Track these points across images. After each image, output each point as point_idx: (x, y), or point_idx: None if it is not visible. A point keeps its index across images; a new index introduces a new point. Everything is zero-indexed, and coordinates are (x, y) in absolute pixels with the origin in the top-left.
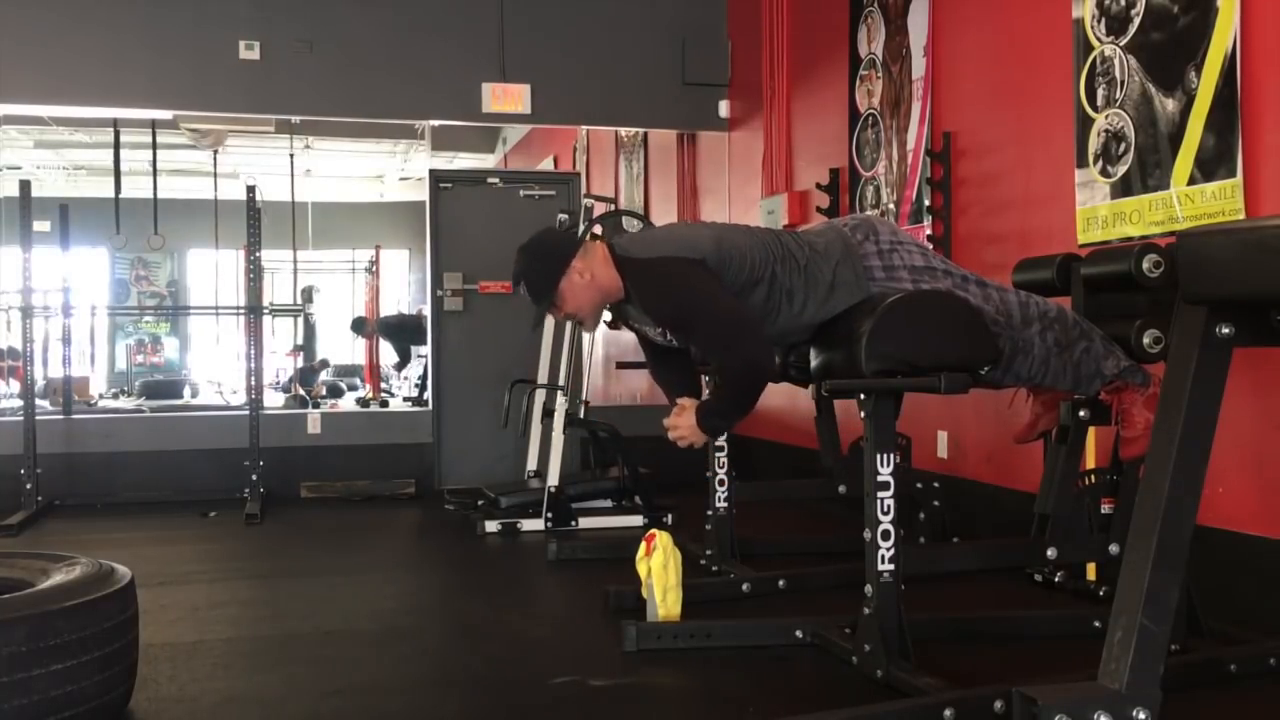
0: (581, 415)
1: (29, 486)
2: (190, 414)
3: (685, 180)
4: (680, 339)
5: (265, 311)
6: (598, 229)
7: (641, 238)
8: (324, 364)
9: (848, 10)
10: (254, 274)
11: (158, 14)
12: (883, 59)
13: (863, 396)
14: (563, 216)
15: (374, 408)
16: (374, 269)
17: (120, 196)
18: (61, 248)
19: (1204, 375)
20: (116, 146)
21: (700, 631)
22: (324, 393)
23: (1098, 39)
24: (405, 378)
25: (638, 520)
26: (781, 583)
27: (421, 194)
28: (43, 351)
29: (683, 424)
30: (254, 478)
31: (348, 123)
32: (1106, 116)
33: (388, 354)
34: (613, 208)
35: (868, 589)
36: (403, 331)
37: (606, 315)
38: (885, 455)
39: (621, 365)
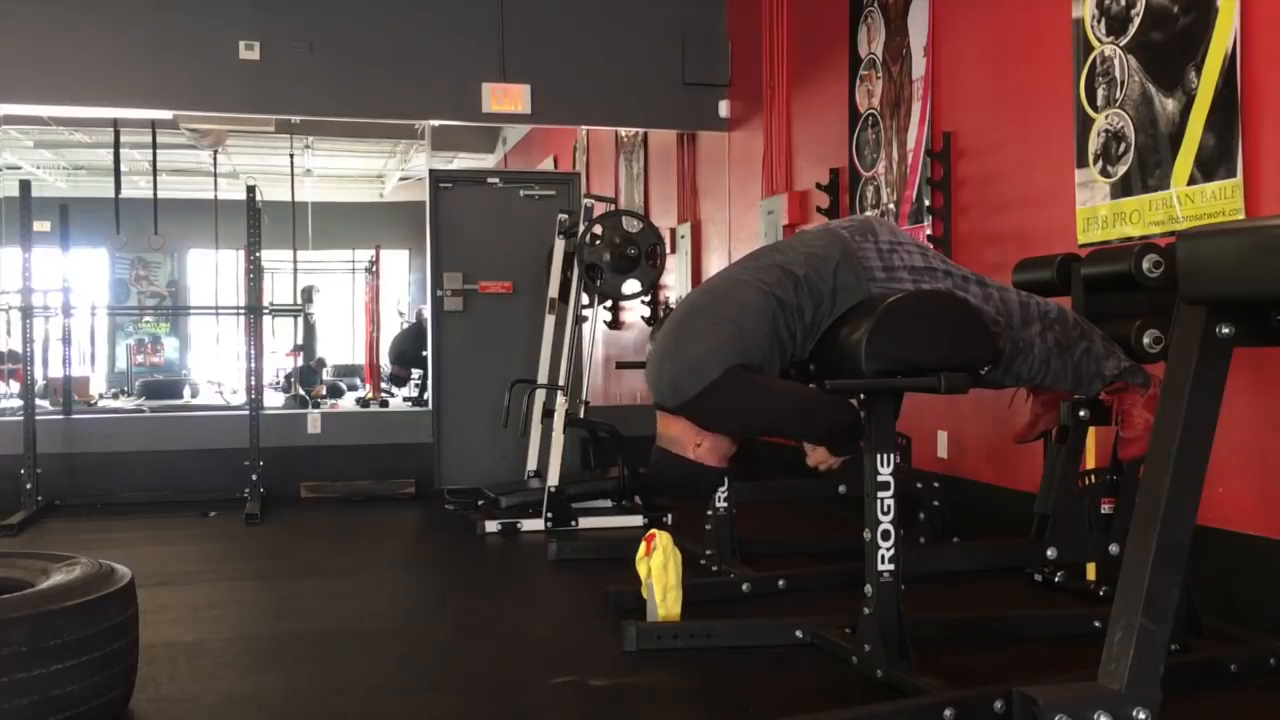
0: (581, 415)
1: (29, 486)
2: (190, 414)
3: (685, 180)
4: None
5: (265, 311)
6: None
7: (664, 383)
8: (321, 364)
9: (848, 10)
10: (254, 274)
11: (158, 14)
12: (883, 59)
13: (863, 396)
14: (562, 216)
15: (374, 408)
16: (374, 269)
17: (120, 196)
18: (61, 248)
19: (1204, 375)
20: (116, 146)
21: (700, 631)
22: (324, 393)
23: (1098, 39)
24: (416, 383)
25: (638, 520)
26: (781, 583)
27: (421, 194)
28: (43, 352)
29: (820, 456)
30: (254, 478)
31: (348, 123)
32: (1106, 116)
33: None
34: (613, 208)
35: (868, 589)
36: (411, 344)
37: (606, 313)
38: (885, 455)
39: (621, 365)
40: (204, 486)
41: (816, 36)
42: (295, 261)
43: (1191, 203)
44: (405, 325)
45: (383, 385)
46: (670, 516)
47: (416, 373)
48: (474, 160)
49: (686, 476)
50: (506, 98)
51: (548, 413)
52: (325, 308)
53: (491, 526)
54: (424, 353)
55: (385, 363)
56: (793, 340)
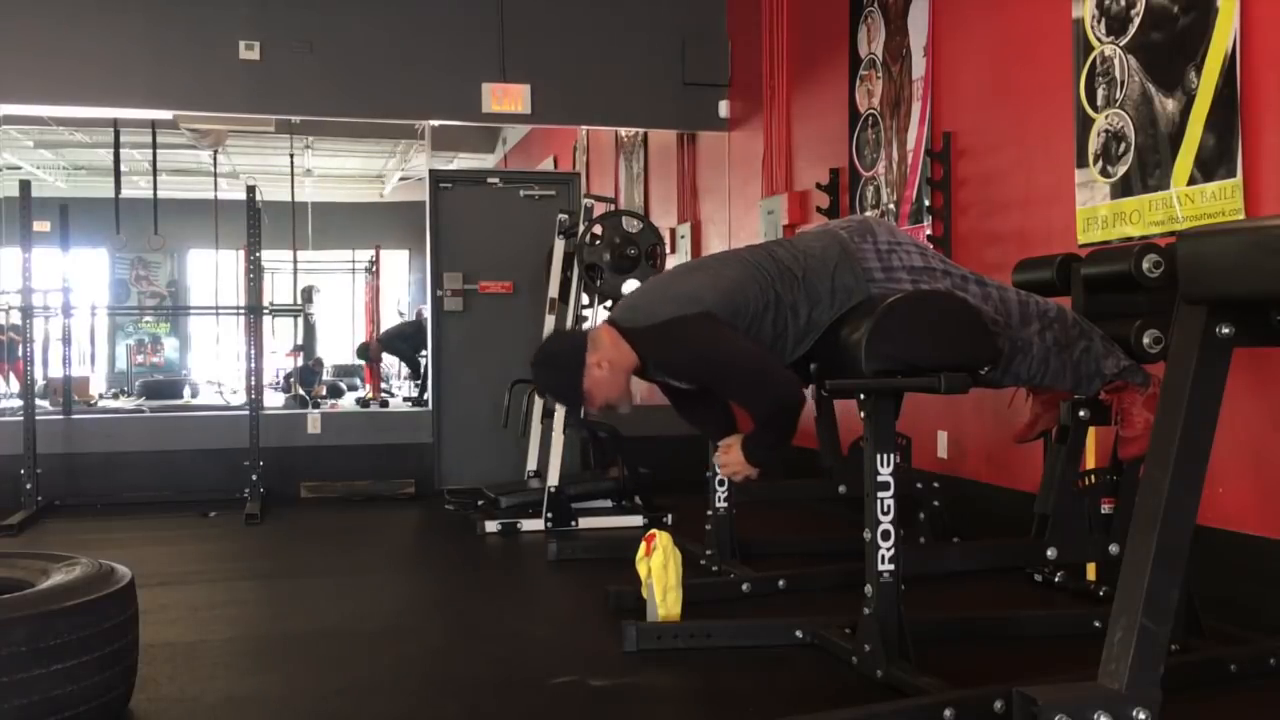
0: (581, 415)
1: (29, 486)
2: (190, 414)
3: (685, 180)
4: (711, 389)
5: (265, 311)
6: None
7: (642, 304)
8: (319, 363)
9: (848, 10)
10: (254, 274)
11: (158, 14)
12: (883, 59)
13: (863, 396)
14: (562, 216)
15: (374, 408)
16: (374, 269)
17: (120, 196)
18: (61, 248)
19: (1204, 375)
20: (116, 146)
21: (700, 631)
22: (324, 393)
23: (1098, 39)
24: (405, 378)
25: (638, 520)
26: (781, 583)
27: (421, 194)
28: (43, 352)
29: (732, 460)
30: (254, 478)
31: (348, 123)
32: (1106, 116)
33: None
34: (613, 208)
35: (868, 589)
36: (404, 340)
37: (606, 313)
38: (885, 455)
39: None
40: (204, 486)
41: (816, 36)
42: (295, 261)
43: (1191, 203)
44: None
45: (384, 387)
46: (670, 516)
47: (397, 366)
48: (474, 160)
49: (561, 379)
50: (506, 98)
51: (548, 413)
52: (325, 308)
53: (491, 526)
54: (413, 350)
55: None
56: (779, 338)
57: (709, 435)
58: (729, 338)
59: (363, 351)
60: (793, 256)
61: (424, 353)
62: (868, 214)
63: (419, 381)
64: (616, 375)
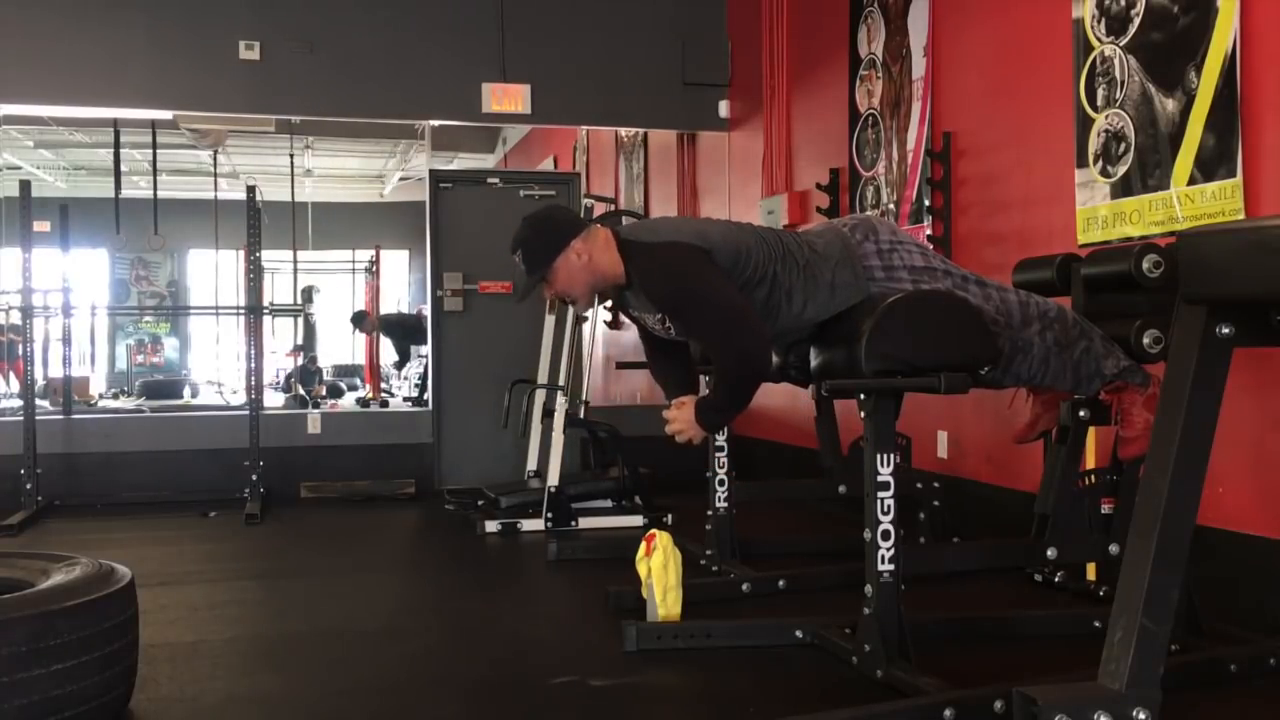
0: (581, 415)
1: (29, 486)
2: (190, 414)
3: (685, 180)
4: (679, 328)
5: (265, 311)
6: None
7: (649, 225)
8: (313, 360)
9: (848, 10)
10: (254, 274)
11: (158, 14)
12: (883, 59)
13: (863, 396)
14: None
15: (374, 408)
16: (374, 269)
17: (120, 196)
18: (61, 248)
19: (1204, 375)
20: (116, 146)
21: (700, 631)
22: (324, 393)
23: (1098, 39)
24: (405, 377)
25: (638, 520)
26: (781, 583)
27: (421, 194)
28: (43, 351)
29: (681, 418)
30: (254, 478)
31: (348, 123)
32: (1106, 116)
33: (387, 352)
34: (613, 208)
35: (868, 589)
36: (402, 330)
37: (606, 313)
38: (885, 455)
39: (621, 365)
40: (204, 486)
41: (816, 36)
42: (295, 261)
43: (1191, 203)
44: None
45: (384, 387)
46: (670, 516)
47: (410, 374)
48: (474, 160)
49: (536, 230)
50: (506, 98)
51: (548, 413)
52: (325, 308)
53: (491, 526)
54: (406, 341)
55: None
56: (770, 317)
57: (668, 392)
58: (717, 277)
59: (358, 318)
60: (798, 245)
61: (418, 349)
62: (869, 213)
63: (403, 373)
64: (589, 272)
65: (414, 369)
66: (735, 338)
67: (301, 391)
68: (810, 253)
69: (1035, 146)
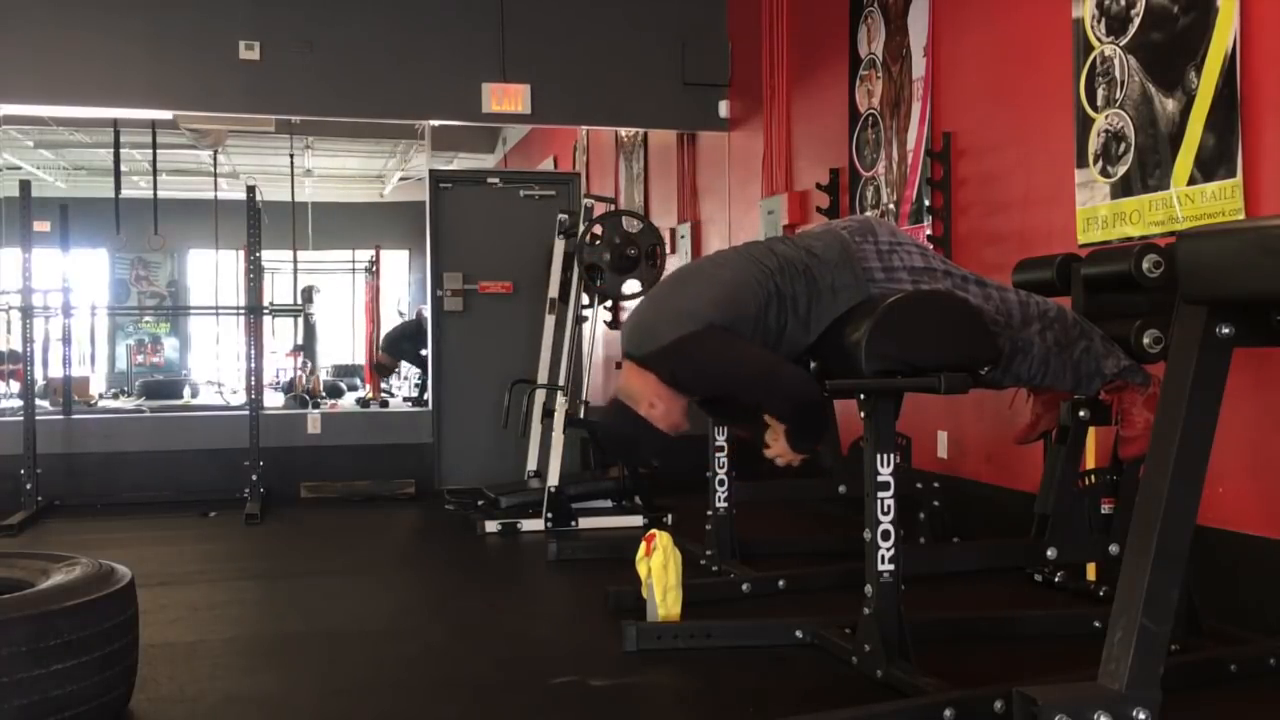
0: (581, 415)
1: (29, 486)
2: (190, 414)
3: (685, 180)
4: (723, 408)
5: (265, 311)
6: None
7: (644, 327)
8: (305, 355)
9: (848, 10)
10: (254, 274)
11: (158, 14)
12: (883, 59)
13: (863, 397)
14: (562, 216)
15: (374, 408)
16: (374, 269)
17: (120, 196)
18: (61, 248)
19: (1204, 375)
20: (116, 146)
21: (700, 631)
22: (323, 392)
23: (1098, 39)
24: (405, 377)
25: (638, 520)
26: (781, 583)
27: (421, 194)
28: (43, 352)
29: (779, 448)
30: (254, 478)
31: (348, 123)
32: (1106, 116)
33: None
34: (613, 208)
35: (868, 589)
36: (408, 340)
37: (606, 313)
38: (885, 455)
39: (621, 365)
40: (204, 486)
41: (816, 36)
42: (295, 261)
43: (1191, 203)
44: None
45: (384, 387)
46: (670, 516)
47: (407, 367)
48: (474, 160)
49: (633, 433)
50: (506, 98)
51: (548, 413)
52: (325, 308)
53: (491, 526)
54: (419, 350)
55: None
56: (780, 331)
57: (744, 431)
58: (734, 349)
59: (379, 368)
60: (794, 253)
61: (424, 351)
62: (869, 214)
63: (408, 377)
64: (668, 401)
65: (405, 364)
66: (779, 392)
67: (304, 392)
68: (809, 257)
69: (1035, 146)
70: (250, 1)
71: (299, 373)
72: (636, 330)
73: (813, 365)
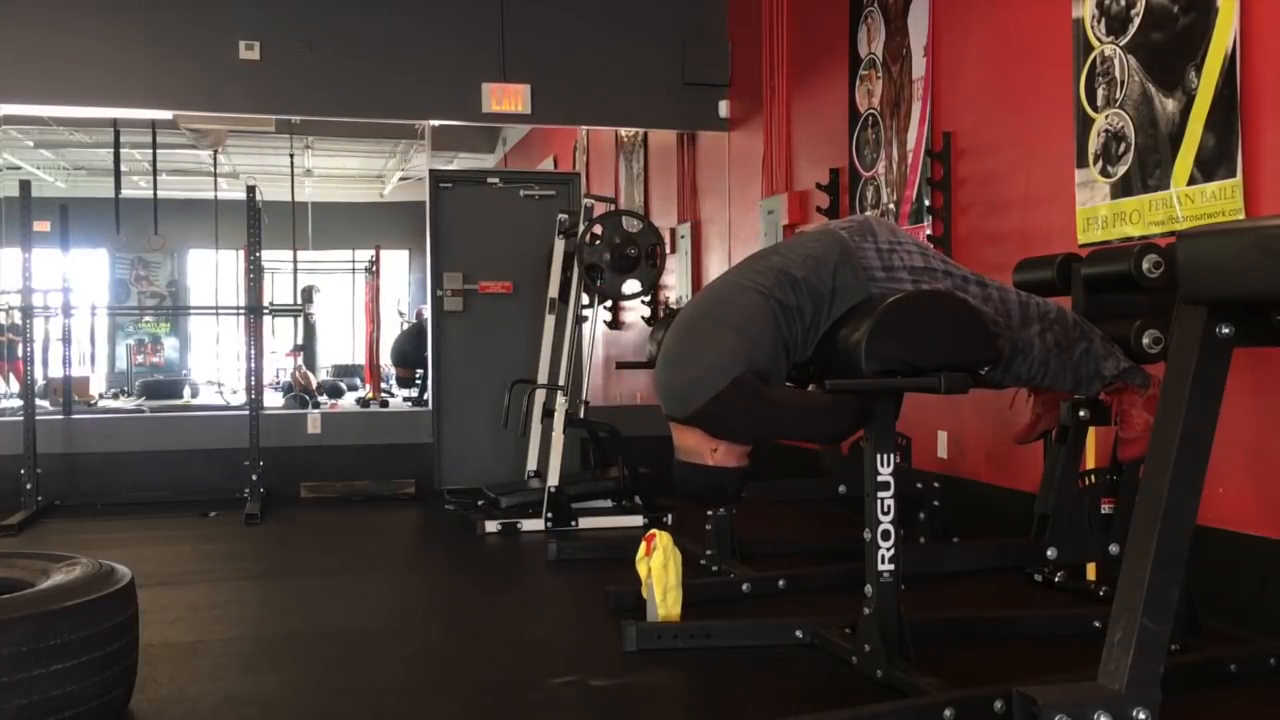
0: (581, 415)
1: (29, 486)
2: (190, 414)
3: (685, 180)
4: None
5: (265, 311)
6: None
7: (673, 394)
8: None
9: (848, 10)
10: (254, 274)
11: (158, 14)
12: (883, 59)
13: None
14: (562, 216)
15: (374, 408)
16: (374, 269)
17: (120, 196)
18: (61, 248)
19: (1204, 375)
20: (116, 146)
21: (700, 631)
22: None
23: (1098, 39)
24: (416, 381)
25: (638, 520)
26: (781, 583)
27: (421, 194)
28: (43, 351)
29: None
30: (254, 478)
31: (348, 123)
32: (1106, 116)
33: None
34: (613, 208)
35: (868, 589)
36: (414, 348)
37: (606, 313)
38: (885, 455)
39: (621, 365)
40: (204, 486)
41: (816, 36)
42: (295, 261)
43: (1191, 203)
44: (406, 326)
45: (384, 387)
46: (670, 516)
47: (419, 371)
48: (474, 160)
49: (709, 483)
50: (506, 98)
51: (548, 413)
52: (325, 308)
53: (491, 526)
54: (425, 352)
55: (388, 364)
56: (796, 342)
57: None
58: (764, 399)
59: (401, 382)
60: (791, 260)
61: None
62: (868, 214)
63: (418, 382)
64: (726, 445)
65: (420, 370)
66: (815, 432)
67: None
68: (808, 261)
69: (1035, 146)
70: (250, 1)
71: (296, 374)
72: (668, 396)
73: (812, 368)
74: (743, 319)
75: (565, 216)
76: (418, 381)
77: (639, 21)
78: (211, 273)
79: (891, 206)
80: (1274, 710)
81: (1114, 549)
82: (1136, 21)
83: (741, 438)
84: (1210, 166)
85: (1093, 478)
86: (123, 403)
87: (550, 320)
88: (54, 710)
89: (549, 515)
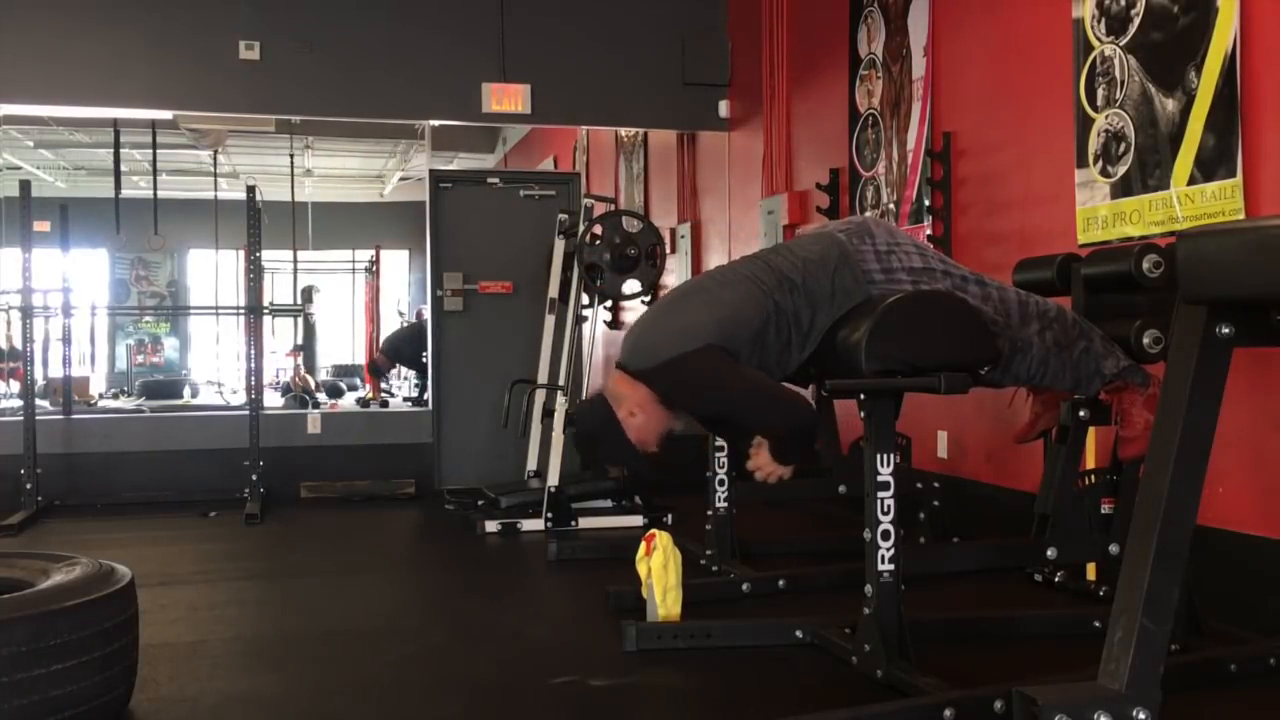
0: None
1: (29, 486)
2: (190, 414)
3: (685, 180)
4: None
5: (265, 311)
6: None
7: (643, 343)
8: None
9: (848, 10)
10: (254, 274)
11: (158, 14)
12: (883, 59)
13: (863, 397)
14: (562, 216)
15: (374, 408)
16: (374, 269)
17: (120, 196)
18: (61, 248)
19: (1204, 375)
20: (116, 146)
21: (700, 631)
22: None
23: (1098, 39)
24: (405, 378)
25: (638, 520)
26: (781, 583)
27: (421, 194)
28: (43, 351)
29: (763, 462)
30: (254, 478)
31: (348, 123)
32: (1106, 116)
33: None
34: (613, 208)
35: (868, 589)
36: (408, 343)
37: (606, 313)
38: (885, 455)
39: (621, 365)
40: (204, 486)
41: (816, 36)
42: (295, 261)
43: (1191, 203)
44: (406, 324)
45: (384, 387)
46: (670, 516)
47: (400, 369)
48: (474, 160)
49: (599, 432)
50: (506, 98)
51: (548, 413)
52: (325, 308)
53: (491, 526)
54: (419, 355)
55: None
56: (784, 348)
57: (735, 444)
58: (731, 372)
59: (374, 369)
60: (790, 264)
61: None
62: (866, 215)
63: (407, 377)
64: (651, 414)
65: (403, 368)
66: (774, 417)
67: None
68: (806, 264)
69: (1035, 146)
70: (250, 1)
71: (295, 377)
72: (636, 345)
73: (812, 369)
74: (736, 303)
75: (565, 216)
76: (403, 379)
77: (639, 21)
78: (211, 273)
79: (891, 207)
80: (1274, 710)
81: (1114, 549)
82: (1136, 21)
83: (689, 403)
84: (1210, 166)
85: (1093, 478)
86: (123, 403)
87: (550, 320)
88: (54, 710)
89: (549, 515)
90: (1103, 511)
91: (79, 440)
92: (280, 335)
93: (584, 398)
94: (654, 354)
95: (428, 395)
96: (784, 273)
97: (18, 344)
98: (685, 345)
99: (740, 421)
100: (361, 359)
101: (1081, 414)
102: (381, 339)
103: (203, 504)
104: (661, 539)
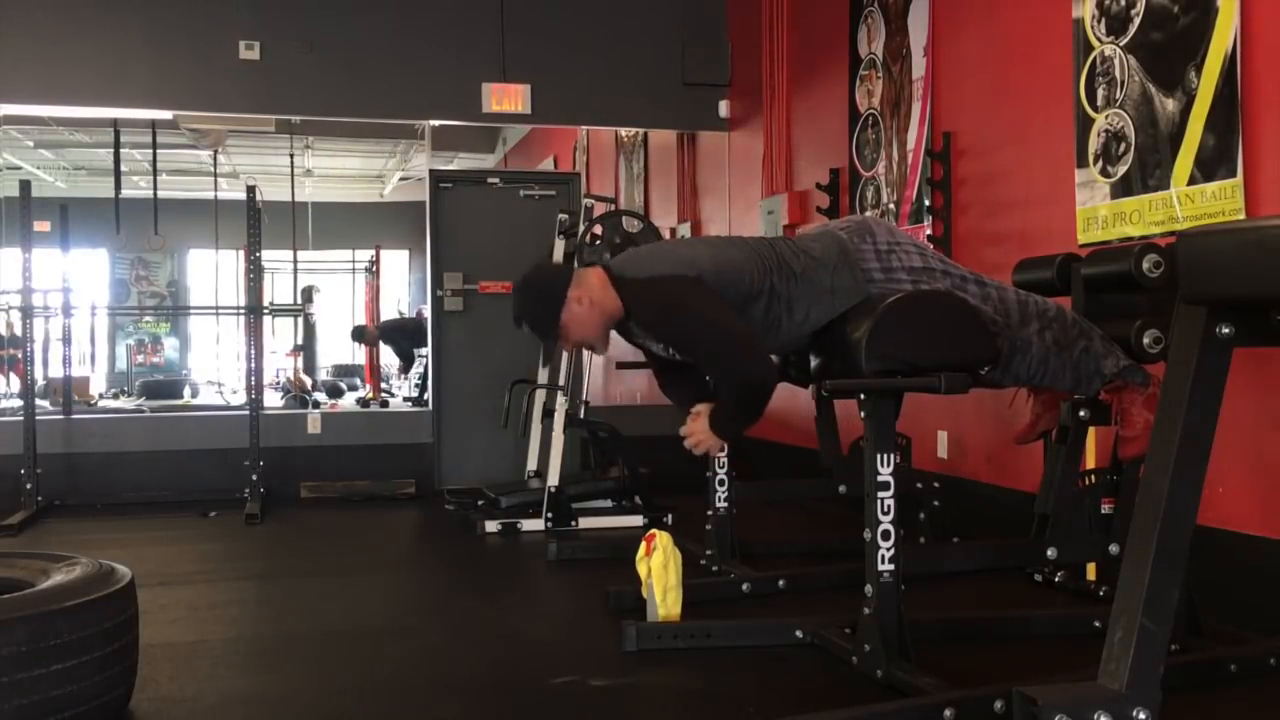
0: (581, 415)
1: (29, 486)
2: (190, 414)
3: (685, 180)
4: (681, 353)
5: (265, 311)
6: (604, 243)
7: (636, 257)
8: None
9: (848, 10)
10: (254, 274)
11: (158, 14)
12: (883, 59)
13: (863, 397)
14: (562, 216)
15: (374, 408)
16: (374, 269)
17: (120, 196)
18: (61, 248)
19: (1204, 375)
20: (116, 146)
21: (700, 631)
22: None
23: (1098, 39)
24: (407, 378)
25: (638, 520)
26: (781, 583)
27: (421, 194)
28: (43, 351)
29: (698, 429)
30: (254, 478)
31: (348, 123)
32: (1106, 116)
33: (388, 353)
34: (613, 208)
35: (868, 589)
36: (403, 334)
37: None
38: (885, 455)
39: (621, 365)
40: (204, 486)
41: (816, 36)
42: (295, 261)
43: (1191, 203)
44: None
45: (384, 387)
46: (670, 516)
47: (392, 365)
48: (474, 160)
49: (533, 310)
50: (506, 98)
51: (548, 413)
52: (325, 308)
53: (491, 526)
54: (411, 346)
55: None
56: (769, 328)
57: (682, 406)
58: (712, 305)
59: (358, 334)
60: (793, 253)
61: (420, 351)
62: (867, 214)
63: (408, 375)
64: (597, 314)
65: (415, 369)
66: (734, 359)
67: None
68: (807, 259)
69: (1035, 146)
70: (250, 1)
71: (293, 379)
72: (630, 259)
73: (813, 363)
74: (738, 262)
75: (565, 216)
76: (396, 370)
77: (639, 22)
78: (211, 273)
79: (891, 206)
80: (1274, 710)
81: (1114, 549)
82: (1136, 21)
83: (657, 324)
84: (1210, 166)
85: (1093, 478)
86: (123, 403)
87: None
88: (54, 710)
89: (549, 515)
90: (1103, 511)
91: (79, 440)
92: (280, 335)
93: (597, 405)
94: (643, 269)
95: (428, 395)
96: (786, 259)
97: (18, 332)
98: (675, 270)
99: (699, 354)
100: (361, 359)
101: (1081, 414)
102: (385, 349)
103: (203, 504)
104: (661, 539)
